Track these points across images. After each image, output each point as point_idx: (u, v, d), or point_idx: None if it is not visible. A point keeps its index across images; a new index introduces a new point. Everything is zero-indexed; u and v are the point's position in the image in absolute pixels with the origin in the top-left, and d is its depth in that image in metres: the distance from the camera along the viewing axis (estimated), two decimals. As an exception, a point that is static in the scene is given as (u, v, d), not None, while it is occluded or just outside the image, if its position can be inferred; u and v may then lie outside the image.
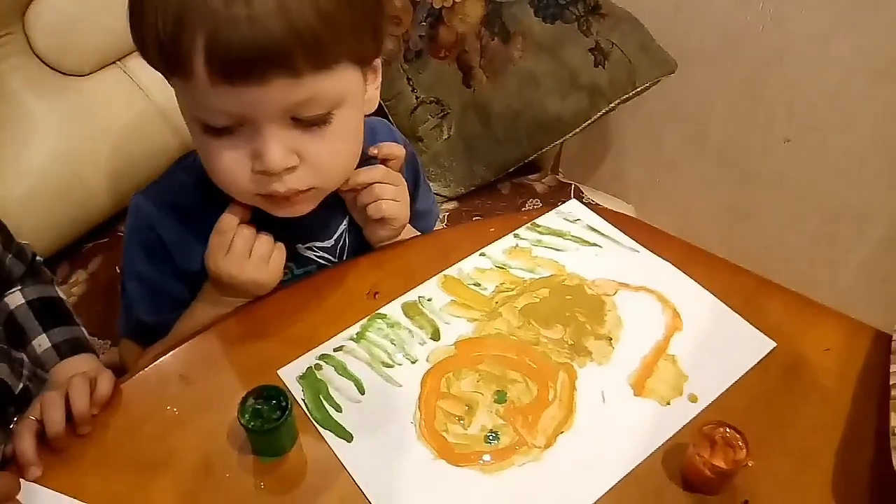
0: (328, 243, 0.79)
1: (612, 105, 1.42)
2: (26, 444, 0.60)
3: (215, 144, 0.62)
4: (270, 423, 0.58)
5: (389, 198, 0.75)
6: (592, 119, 1.41)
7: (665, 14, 1.49)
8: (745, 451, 0.55)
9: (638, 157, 1.70)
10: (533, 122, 1.40)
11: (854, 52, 1.28)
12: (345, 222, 0.79)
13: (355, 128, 0.69)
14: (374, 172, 0.74)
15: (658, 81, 1.44)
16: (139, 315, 0.75)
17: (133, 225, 0.75)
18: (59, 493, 0.58)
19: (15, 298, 0.73)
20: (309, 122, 0.62)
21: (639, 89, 1.42)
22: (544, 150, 1.43)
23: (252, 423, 0.58)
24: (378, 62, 0.70)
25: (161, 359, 0.68)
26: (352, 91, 0.65)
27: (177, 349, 0.69)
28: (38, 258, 0.79)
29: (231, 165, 0.63)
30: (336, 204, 0.76)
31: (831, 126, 1.39)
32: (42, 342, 0.70)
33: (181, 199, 0.74)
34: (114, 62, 1.19)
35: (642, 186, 1.73)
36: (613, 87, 1.41)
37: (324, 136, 0.63)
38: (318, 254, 0.78)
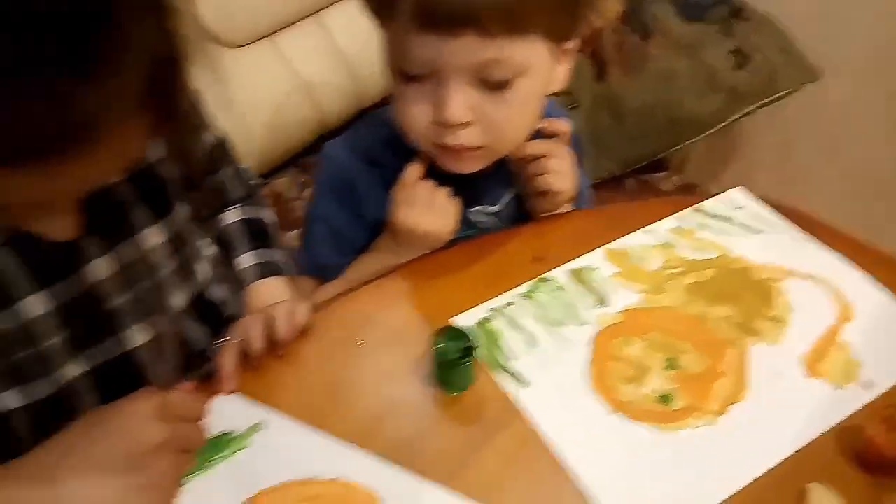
0: (495, 208, 0.82)
1: (750, 109, 1.41)
2: (227, 360, 0.66)
3: (405, 90, 0.68)
4: (457, 356, 0.62)
5: (556, 171, 0.78)
6: (728, 121, 1.41)
7: (809, 21, 1.47)
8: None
9: (767, 165, 1.67)
10: (667, 120, 1.41)
11: None
12: (511, 192, 0.83)
13: (534, 100, 0.72)
14: (545, 145, 0.78)
15: (799, 88, 1.42)
16: (319, 256, 0.81)
17: (326, 172, 0.81)
18: (257, 403, 0.63)
19: (228, 216, 0.78)
20: (492, 84, 0.66)
21: (779, 95, 1.41)
22: (676, 148, 1.43)
23: (447, 354, 0.62)
24: (572, 45, 0.73)
25: (348, 295, 0.73)
26: (538, 63, 0.68)
27: (362, 289, 0.74)
28: (255, 181, 0.84)
29: (415, 111, 0.69)
30: (504, 173, 0.80)
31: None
32: (243, 261, 0.76)
33: (374, 152, 0.79)
34: (266, 36, 1.26)
35: (769, 195, 1.70)
36: (753, 90, 1.40)
37: (503, 100, 0.67)
38: (484, 218, 0.82)
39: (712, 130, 1.42)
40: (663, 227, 0.79)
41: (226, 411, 0.63)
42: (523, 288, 0.73)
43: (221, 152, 0.77)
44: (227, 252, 0.76)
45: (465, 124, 0.68)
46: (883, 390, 0.63)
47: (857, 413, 0.62)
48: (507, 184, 0.83)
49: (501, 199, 0.83)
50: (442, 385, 0.64)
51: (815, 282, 0.73)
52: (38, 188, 0.41)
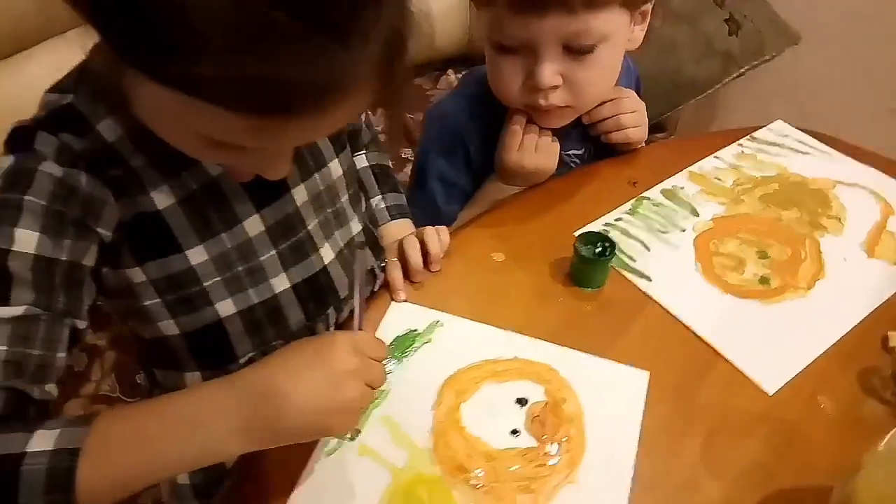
0: (580, 151, 0.95)
1: (742, 70, 1.58)
2: (395, 273, 0.77)
3: (501, 60, 0.80)
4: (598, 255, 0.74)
5: (631, 125, 0.91)
6: (724, 82, 1.58)
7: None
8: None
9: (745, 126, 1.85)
10: (671, 85, 1.57)
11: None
12: (588, 142, 0.95)
13: (615, 62, 0.84)
14: (613, 107, 0.89)
15: (782, 52, 1.60)
16: (433, 204, 0.92)
17: (436, 130, 0.91)
18: (429, 308, 0.74)
19: (360, 160, 0.87)
20: (577, 50, 0.78)
21: (766, 58, 1.59)
22: (678, 109, 1.59)
23: (588, 252, 0.74)
24: (648, 7, 0.85)
25: (475, 222, 0.84)
26: (617, 30, 0.79)
27: (485, 215, 0.85)
28: (375, 129, 0.93)
29: (508, 77, 0.81)
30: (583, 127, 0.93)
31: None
32: (378, 202, 0.87)
33: (475, 107, 0.91)
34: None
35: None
36: (744, 55, 1.58)
37: (587, 64, 0.79)
38: (572, 158, 0.95)
39: (709, 92, 1.59)
40: (728, 154, 0.93)
41: (406, 314, 0.74)
42: (627, 206, 0.86)
43: None
44: (363, 192, 0.85)
45: (554, 88, 0.80)
46: (929, 263, 0.80)
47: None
48: (586, 137, 0.94)
49: (585, 149, 0.95)
50: (582, 283, 0.77)
51: (859, 188, 0.89)
52: (289, 137, 0.49)
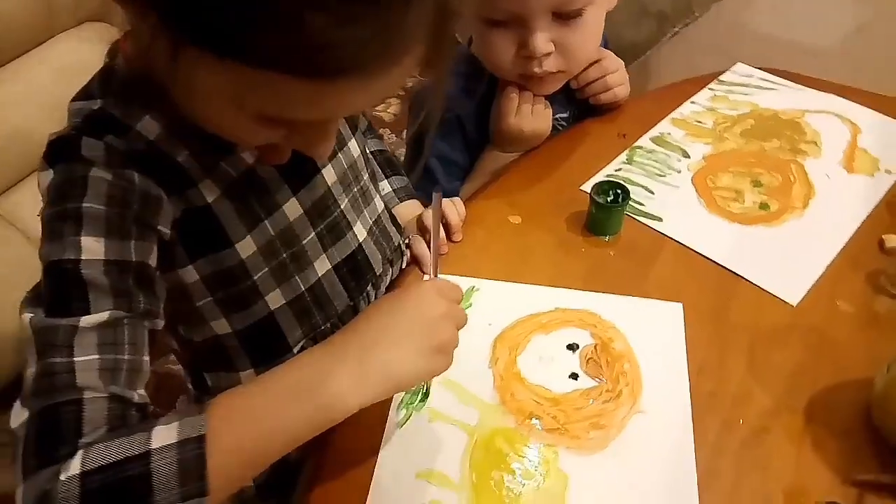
0: (566, 114, 0.99)
1: (677, 29, 1.66)
2: (421, 248, 0.78)
3: (492, 33, 0.82)
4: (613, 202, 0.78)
5: (617, 84, 0.95)
6: (661, 42, 1.65)
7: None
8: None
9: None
10: (615, 49, 1.62)
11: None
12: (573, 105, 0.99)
13: (600, 22, 0.88)
14: (600, 69, 0.93)
15: (710, 8, 1.69)
16: (436, 184, 0.94)
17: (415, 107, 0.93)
18: (458, 276, 0.76)
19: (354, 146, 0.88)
20: (566, 15, 0.81)
21: (697, 15, 1.67)
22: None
23: (604, 200, 0.78)
24: None
25: (484, 192, 0.87)
26: None
27: (493, 184, 0.88)
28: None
29: (501, 50, 0.83)
30: (567, 90, 0.96)
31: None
32: (384, 187, 0.87)
33: (473, 85, 0.93)
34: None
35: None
36: (676, 14, 1.66)
37: (577, 27, 0.83)
38: (560, 122, 0.98)
39: (648, 53, 1.66)
40: (702, 98, 0.99)
41: None
42: (623, 157, 0.90)
43: None
44: None
45: (548, 55, 0.83)
46: (900, 172, 0.87)
47: (891, 188, 0.85)
48: (571, 101, 0.98)
49: (569, 111, 0.99)
50: (600, 231, 0.80)
51: (825, 113, 0.96)
52: (347, 104, 0.49)
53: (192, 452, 0.44)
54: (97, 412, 0.47)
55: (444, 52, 0.51)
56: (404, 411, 0.64)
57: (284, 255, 0.64)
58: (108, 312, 0.49)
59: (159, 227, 0.55)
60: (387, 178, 0.87)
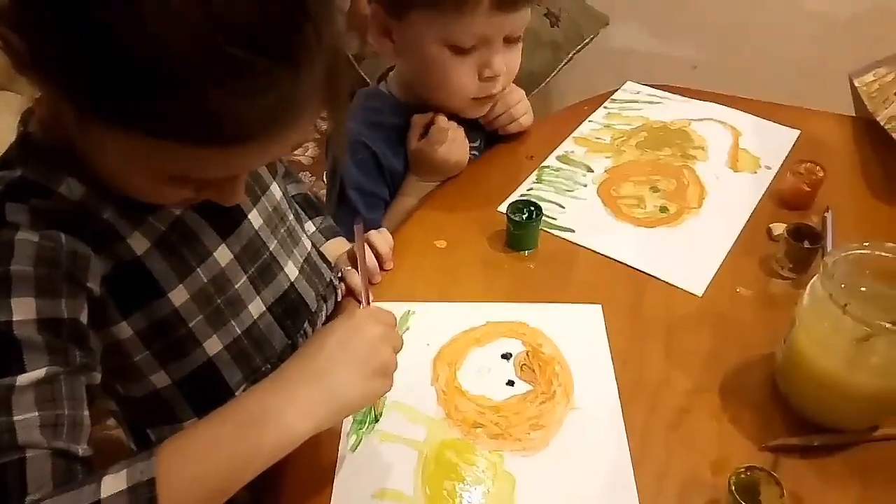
0: (476, 143, 1.05)
1: (570, 55, 1.77)
2: (355, 279, 0.81)
3: (456, 61, 0.87)
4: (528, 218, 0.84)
5: (522, 114, 1.02)
6: (557, 69, 1.76)
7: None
8: (822, 171, 0.89)
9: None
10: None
11: None
12: (482, 134, 1.05)
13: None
14: (507, 98, 0.99)
15: (598, 34, 1.81)
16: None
17: (350, 145, 0.97)
18: (393, 302, 0.79)
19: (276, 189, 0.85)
20: (513, 40, 0.89)
21: (586, 41, 1.79)
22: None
23: (520, 217, 0.83)
24: None
25: (414, 214, 0.91)
26: None
27: (415, 214, 0.92)
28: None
29: (465, 76, 0.88)
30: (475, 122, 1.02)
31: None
32: (309, 227, 0.90)
33: (383, 119, 0.97)
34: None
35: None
36: (568, 41, 1.77)
37: (516, 51, 0.90)
38: (471, 151, 1.04)
39: (547, 80, 1.76)
40: (598, 116, 1.07)
41: None
42: (533, 177, 0.96)
43: None
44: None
45: (499, 76, 0.89)
46: (778, 166, 0.97)
47: (772, 182, 0.94)
48: (479, 128, 1.03)
49: (479, 139, 1.05)
50: (519, 247, 0.86)
51: (708, 121, 1.05)
52: (251, 162, 0.53)
53: (144, 497, 0.45)
54: (41, 469, 0.47)
55: (340, 101, 0.56)
56: (354, 437, 0.67)
57: (219, 301, 0.66)
58: (45, 369, 0.50)
59: (88, 285, 0.55)
60: (310, 218, 0.90)
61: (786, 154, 0.99)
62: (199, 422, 0.53)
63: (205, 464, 0.49)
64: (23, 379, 0.49)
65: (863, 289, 0.64)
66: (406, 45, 0.89)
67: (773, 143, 1.01)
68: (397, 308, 0.78)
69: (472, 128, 1.01)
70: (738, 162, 0.98)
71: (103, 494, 0.45)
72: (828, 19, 1.77)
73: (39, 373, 0.50)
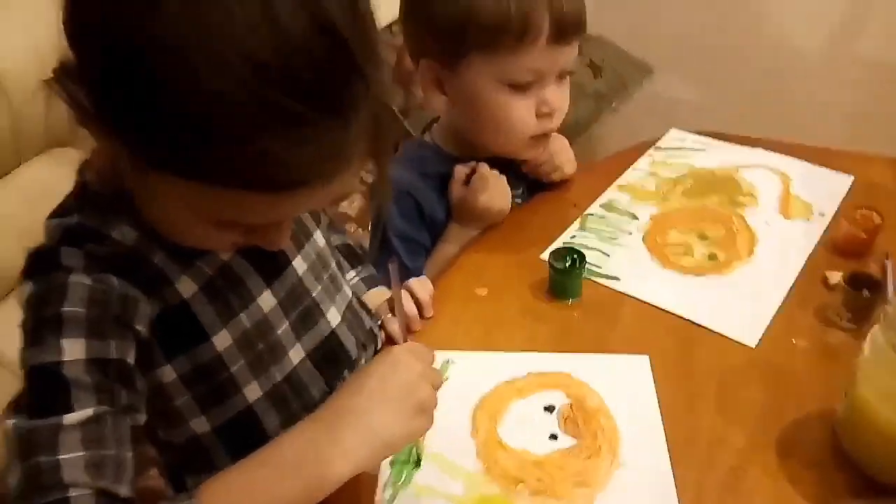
0: (519, 190, 1.04)
1: (614, 105, 1.77)
2: (394, 327, 0.81)
3: (515, 99, 0.87)
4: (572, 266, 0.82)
5: (565, 161, 1.02)
6: (601, 118, 1.75)
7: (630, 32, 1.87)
8: (880, 218, 0.85)
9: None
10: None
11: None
12: (524, 183, 1.05)
13: None
14: (551, 146, 1.00)
15: (641, 84, 1.81)
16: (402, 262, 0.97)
17: (395, 194, 0.97)
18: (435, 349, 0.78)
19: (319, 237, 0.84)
20: (565, 75, 0.90)
21: (630, 91, 1.79)
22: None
23: (562, 265, 0.82)
24: None
25: (456, 261, 0.91)
26: None
27: (457, 263, 0.91)
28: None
29: (524, 112, 0.89)
30: (516, 170, 1.02)
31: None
32: (352, 277, 0.90)
33: (428, 169, 0.98)
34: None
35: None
36: (612, 91, 1.77)
37: (566, 88, 0.92)
38: (515, 200, 1.03)
39: (591, 129, 1.76)
40: (642, 164, 1.06)
41: None
42: (576, 224, 0.95)
43: None
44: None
45: (556, 111, 0.90)
46: (832, 214, 0.93)
47: (827, 229, 0.91)
48: (523, 178, 1.03)
49: (522, 187, 1.04)
50: (563, 296, 0.84)
51: (756, 167, 1.03)
52: (300, 208, 0.54)
53: None
54: None
55: (385, 152, 0.56)
56: (390, 490, 0.65)
57: (260, 346, 0.66)
58: (92, 409, 0.50)
59: (137, 327, 0.56)
60: (353, 267, 0.90)
61: (840, 200, 0.96)
62: (238, 464, 0.53)
63: (245, 502, 0.49)
64: (69, 419, 0.50)
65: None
66: (461, 94, 0.90)
67: (826, 189, 0.98)
68: (437, 357, 0.77)
69: (516, 176, 1.01)
70: (789, 209, 0.95)
71: None
72: (877, 63, 1.74)
73: (87, 412, 0.50)
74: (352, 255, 0.91)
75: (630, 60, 1.83)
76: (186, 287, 0.60)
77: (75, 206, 0.58)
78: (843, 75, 1.77)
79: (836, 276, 0.82)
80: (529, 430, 0.69)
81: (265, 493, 0.50)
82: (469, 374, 0.76)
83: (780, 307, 0.81)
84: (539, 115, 0.89)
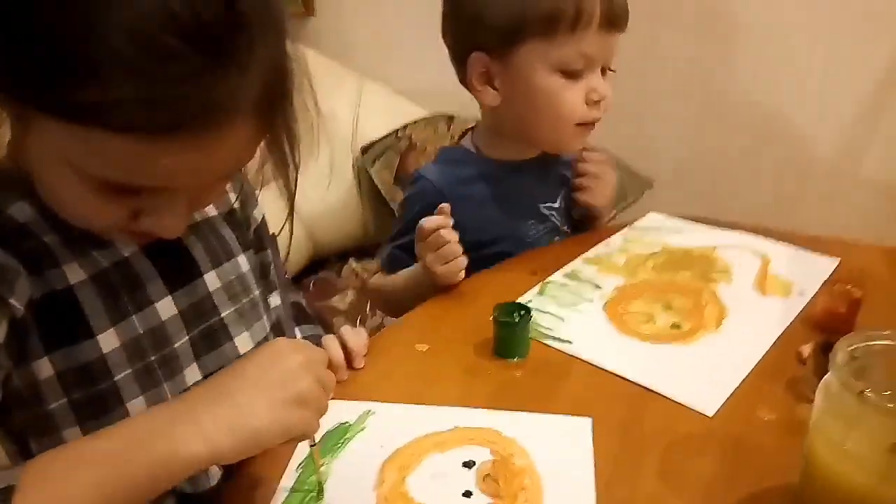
0: (556, 204, 1.05)
1: (613, 215, 1.74)
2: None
3: (566, 86, 0.92)
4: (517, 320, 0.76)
5: (592, 190, 1.03)
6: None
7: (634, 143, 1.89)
8: (860, 292, 0.78)
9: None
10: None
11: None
12: (562, 192, 1.06)
13: None
14: (597, 167, 1.04)
15: (642, 195, 1.80)
16: (399, 258, 0.97)
17: (416, 193, 0.99)
18: (351, 401, 0.71)
19: (275, 299, 0.81)
20: (605, 69, 0.94)
21: (630, 201, 1.77)
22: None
23: (510, 319, 0.75)
24: None
25: (402, 318, 0.85)
26: None
27: (405, 317, 0.86)
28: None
29: (574, 97, 0.92)
30: (556, 178, 1.05)
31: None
32: (297, 332, 0.84)
33: (463, 171, 1.01)
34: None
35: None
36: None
37: (610, 82, 0.95)
38: (550, 212, 1.04)
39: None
40: (614, 241, 1.01)
41: (334, 411, 0.68)
42: (536, 289, 0.89)
43: (266, 232, 0.87)
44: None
45: (604, 99, 0.94)
46: (813, 293, 0.86)
47: (806, 307, 0.83)
48: (560, 185, 1.06)
49: (559, 197, 1.06)
50: (507, 353, 0.77)
51: (736, 248, 0.97)
52: (182, 171, 0.50)
53: None
54: None
55: (277, 129, 0.54)
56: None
57: (152, 358, 0.61)
58: None
59: (11, 301, 0.52)
60: (298, 325, 0.85)
61: (823, 281, 0.88)
62: (85, 437, 0.48)
63: (78, 474, 0.44)
64: None
65: (887, 392, 0.51)
66: (512, 84, 0.94)
67: (809, 269, 0.91)
68: (355, 407, 0.70)
69: (553, 184, 1.05)
70: (766, 286, 0.88)
71: None
72: (883, 187, 1.70)
73: None
74: (302, 315, 0.87)
75: (631, 173, 1.83)
76: (74, 273, 0.57)
77: None
78: (848, 199, 1.74)
79: (809, 349, 0.74)
80: (441, 486, 0.61)
81: (103, 465, 0.44)
82: (389, 425, 0.68)
83: (745, 379, 0.72)
84: (588, 103, 0.93)
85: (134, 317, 0.60)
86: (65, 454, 0.46)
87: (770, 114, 1.77)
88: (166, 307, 0.62)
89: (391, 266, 0.99)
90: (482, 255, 0.96)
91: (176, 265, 0.63)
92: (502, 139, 1.01)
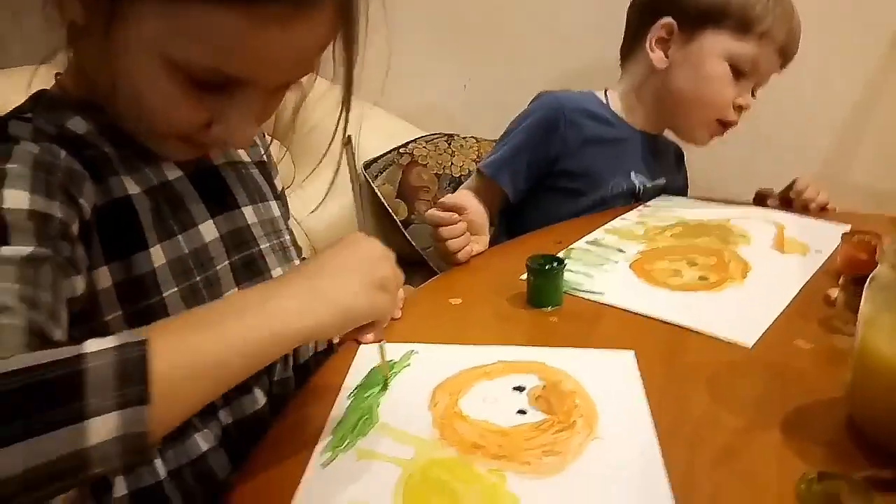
0: (648, 183, 1.15)
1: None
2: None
3: (729, 79, 1.03)
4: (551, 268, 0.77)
5: (822, 204, 1.10)
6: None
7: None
8: (878, 238, 0.81)
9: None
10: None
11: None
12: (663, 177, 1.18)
13: None
14: (805, 183, 1.12)
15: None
16: (498, 170, 1.03)
17: (542, 111, 1.05)
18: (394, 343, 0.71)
19: (275, 208, 0.80)
20: (755, 91, 1.08)
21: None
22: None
23: (543, 267, 0.77)
24: None
25: (428, 281, 0.86)
26: None
27: (438, 277, 0.87)
28: None
29: (729, 91, 1.04)
30: (661, 160, 1.17)
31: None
32: None
33: (586, 107, 1.09)
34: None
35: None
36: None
37: (751, 105, 1.07)
38: (640, 183, 1.14)
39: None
40: (630, 216, 1.04)
41: (375, 352, 0.70)
42: (562, 254, 0.91)
43: (286, 204, 0.87)
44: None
45: (746, 108, 1.06)
46: (830, 252, 0.89)
47: (825, 263, 0.86)
48: (658, 168, 1.16)
49: (653, 176, 1.16)
50: (541, 303, 0.78)
51: (748, 219, 1.00)
52: (264, 55, 0.51)
53: (133, 354, 0.38)
54: (14, 340, 0.41)
55: (352, 33, 0.56)
56: (329, 453, 0.56)
57: (197, 278, 0.61)
58: (31, 248, 0.46)
59: (81, 201, 0.53)
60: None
61: (837, 243, 0.91)
62: (192, 308, 0.49)
63: (201, 332, 0.43)
64: (7, 250, 0.45)
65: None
66: (685, 56, 1.04)
67: (823, 233, 0.94)
68: (398, 349, 0.70)
69: (657, 164, 1.16)
70: (784, 246, 0.91)
71: (86, 350, 0.38)
72: (873, 193, 1.76)
73: (26, 249, 0.46)
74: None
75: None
76: (131, 185, 0.58)
77: (28, 106, 0.58)
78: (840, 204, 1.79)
79: (838, 290, 0.76)
80: (493, 406, 0.61)
81: (224, 324, 0.44)
82: (433, 362, 0.68)
83: (779, 315, 0.74)
84: (734, 106, 1.02)
85: (179, 236, 0.60)
86: (181, 319, 0.45)
87: (763, 121, 1.83)
88: (209, 230, 0.63)
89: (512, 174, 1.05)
90: (556, 183, 1.06)
91: (217, 193, 0.65)
92: (637, 104, 1.10)
